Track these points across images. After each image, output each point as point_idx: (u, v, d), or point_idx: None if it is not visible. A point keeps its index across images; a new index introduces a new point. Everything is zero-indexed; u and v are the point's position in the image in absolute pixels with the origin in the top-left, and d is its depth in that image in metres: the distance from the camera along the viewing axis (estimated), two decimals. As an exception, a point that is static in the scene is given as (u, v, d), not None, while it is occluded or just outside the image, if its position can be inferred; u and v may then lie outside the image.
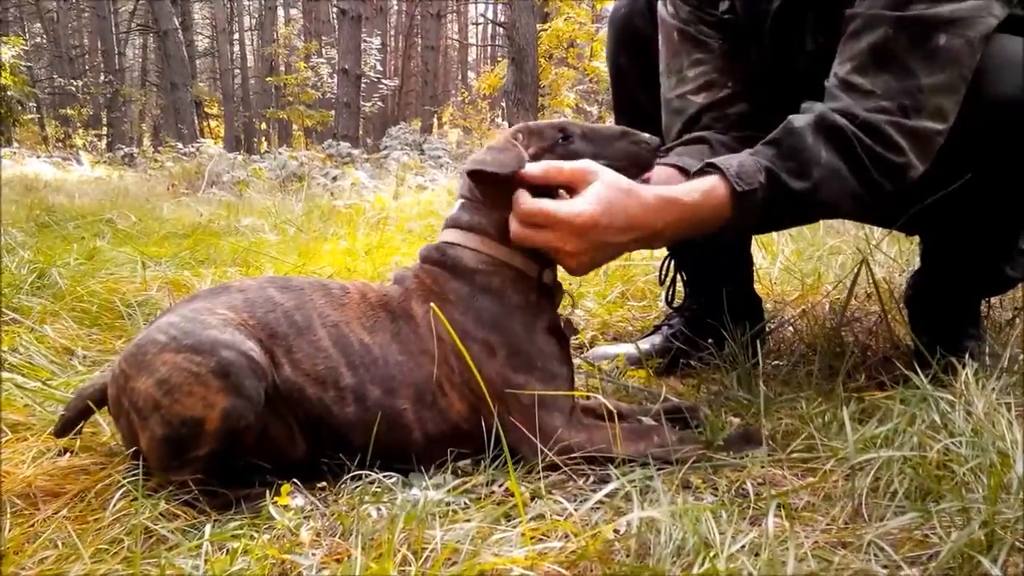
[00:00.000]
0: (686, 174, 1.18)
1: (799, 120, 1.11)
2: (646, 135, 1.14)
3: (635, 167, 1.12)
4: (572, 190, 1.05)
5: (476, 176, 1.10)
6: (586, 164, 1.05)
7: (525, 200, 1.05)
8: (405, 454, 1.05)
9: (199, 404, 0.93)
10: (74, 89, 18.03)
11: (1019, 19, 1.16)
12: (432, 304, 1.08)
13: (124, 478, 1.01)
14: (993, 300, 1.60)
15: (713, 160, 1.10)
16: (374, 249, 3.03)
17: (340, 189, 5.97)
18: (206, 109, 21.03)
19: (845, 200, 1.11)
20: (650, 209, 1.03)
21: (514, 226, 1.07)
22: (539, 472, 1.01)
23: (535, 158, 1.12)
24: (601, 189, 1.02)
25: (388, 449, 1.04)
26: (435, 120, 17.51)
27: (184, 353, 0.95)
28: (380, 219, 3.82)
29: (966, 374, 1.05)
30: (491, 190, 1.10)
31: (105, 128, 19.55)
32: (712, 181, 1.08)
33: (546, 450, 1.03)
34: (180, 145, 9.14)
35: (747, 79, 1.35)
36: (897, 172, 1.10)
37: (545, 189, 1.07)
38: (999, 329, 1.54)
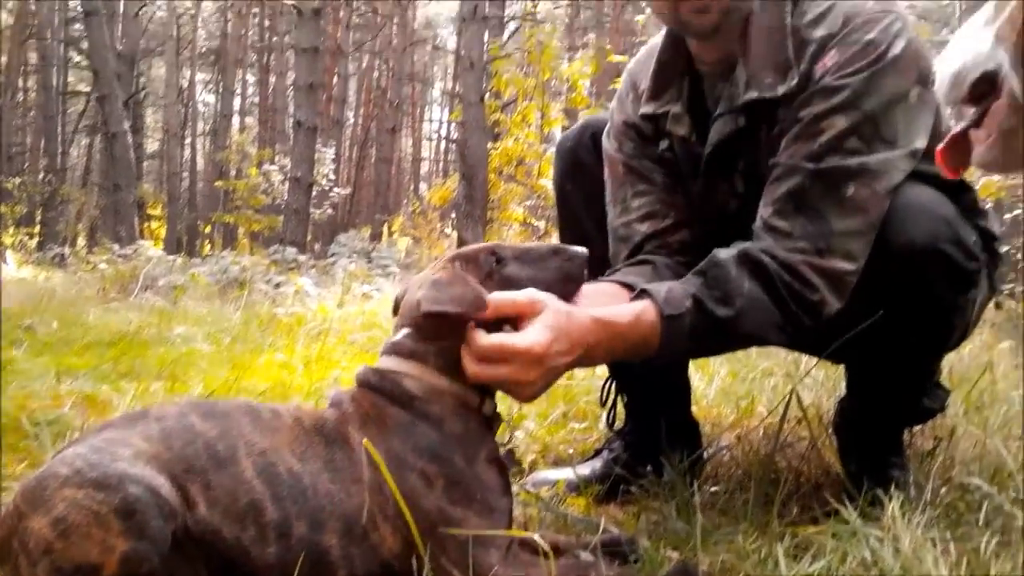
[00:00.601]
0: (630, 290, 1.28)
1: (724, 253, 1.24)
2: (575, 248, 1.20)
3: (569, 283, 1.19)
4: (519, 320, 1.10)
5: (434, 316, 1.10)
6: (531, 295, 1.10)
7: (482, 339, 1.08)
8: None
9: (96, 548, 0.86)
10: (11, 187, 17.84)
11: (926, 174, 1.28)
12: (366, 432, 1.06)
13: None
14: (915, 428, 1.68)
15: (645, 286, 1.21)
16: (313, 362, 2.98)
17: (283, 296, 5.92)
18: (149, 211, 20.97)
19: (768, 330, 1.23)
20: (587, 331, 1.11)
21: (470, 364, 1.09)
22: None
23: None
24: (549, 317, 1.08)
25: None
26: (385, 228, 17.75)
27: (86, 489, 0.88)
28: (321, 330, 3.77)
29: (893, 508, 1.08)
30: (441, 323, 1.11)
31: (38, 227, 19.26)
32: (643, 305, 1.18)
33: None
34: (117, 247, 9.02)
35: (687, 210, 1.47)
36: (813, 308, 1.22)
37: (491, 322, 1.10)
38: (921, 459, 1.60)
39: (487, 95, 11.81)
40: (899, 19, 1.26)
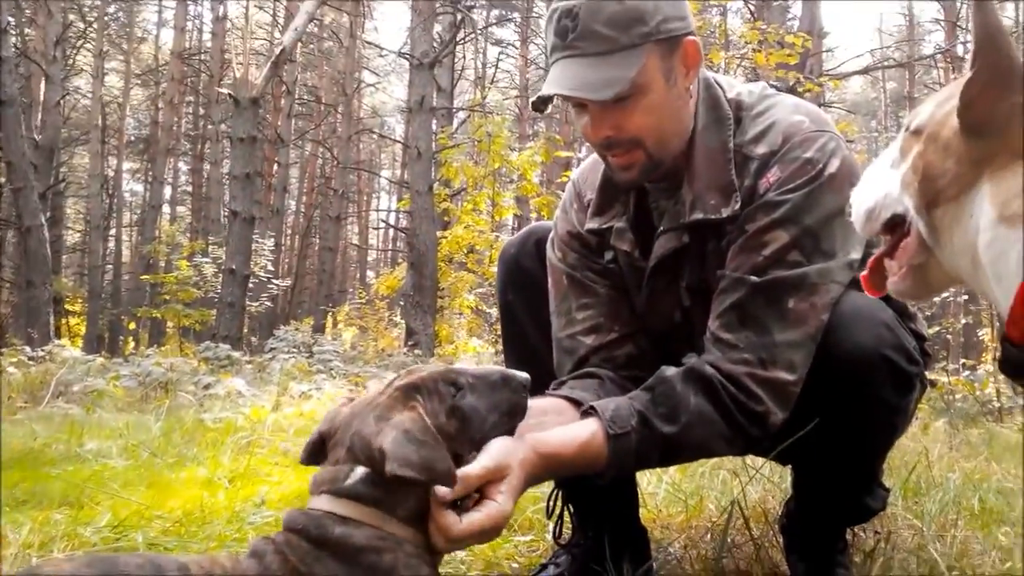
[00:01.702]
0: (577, 406, 1.34)
1: (670, 370, 1.32)
2: (520, 376, 1.20)
3: (516, 416, 1.20)
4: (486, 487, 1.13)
5: (401, 479, 1.03)
6: (498, 460, 1.12)
7: (455, 526, 1.08)
8: None
9: None
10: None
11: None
12: None
13: None
14: (859, 527, 1.78)
15: (593, 404, 1.28)
16: (240, 478, 2.79)
17: (213, 398, 5.68)
18: (67, 306, 20.33)
19: (715, 443, 1.31)
20: (537, 469, 1.18)
21: (440, 540, 1.09)
22: None
23: (432, 414, 1.11)
24: (515, 479, 1.14)
25: None
26: (330, 319, 17.52)
27: None
28: (251, 440, 3.57)
29: None
30: (405, 482, 1.04)
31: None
32: (589, 427, 1.25)
33: None
34: (28, 349, 8.62)
35: (633, 322, 1.54)
36: (759, 419, 1.30)
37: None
38: (864, 556, 1.70)
39: (436, 184, 12.03)
40: (834, 138, 1.37)
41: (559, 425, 1.30)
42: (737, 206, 1.36)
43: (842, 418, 1.35)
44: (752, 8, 12.32)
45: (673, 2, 1.33)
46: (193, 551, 1.84)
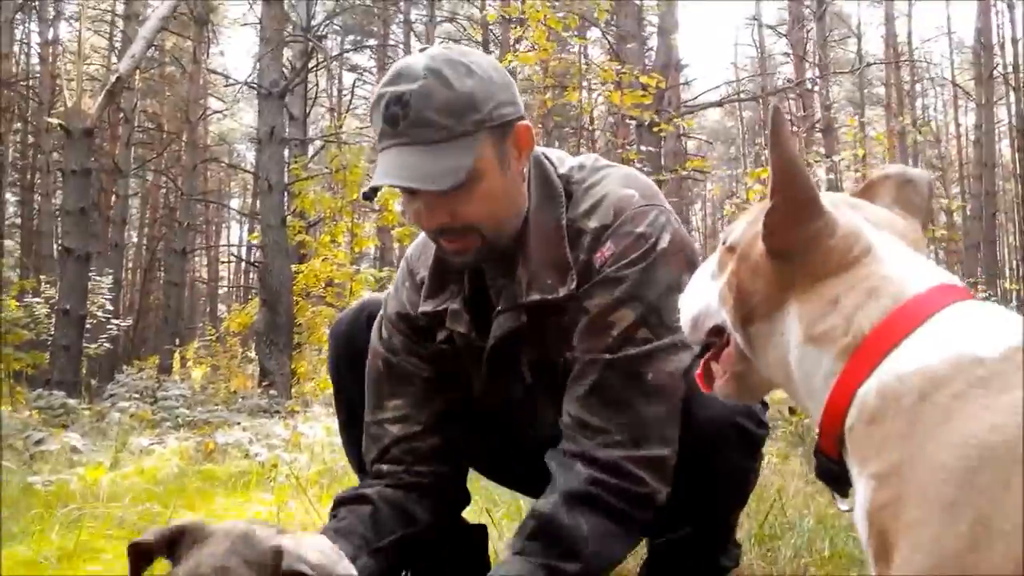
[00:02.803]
0: None
1: (545, 504, 1.28)
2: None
3: None
4: None
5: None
6: None
7: None
8: None
9: None
10: None
11: None
12: None
13: None
14: None
15: (495, 573, 1.25)
16: (69, 556, 2.53)
17: (45, 456, 5.16)
18: None
19: (619, 550, 1.33)
20: None
21: None
22: None
23: None
24: None
25: None
26: (177, 358, 16.48)
27: None
28: (82, 508, 3.26)
29: None
30: None
31: None
32: None
33: None
34: None
35: (444, 414, 1.52)
36: (645, 501, 1.30)
37: None
38: None
39: (290, 216, 11.59)
40: (663, 212, 1.40)
41: None
42: (573, 285, 1.37)
43: (697, 485, 1.37)
44: (611, 43, 12.79)
45: (503, 85, 1.32)
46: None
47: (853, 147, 10.08)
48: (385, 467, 1.50)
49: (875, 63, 22.64)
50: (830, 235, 0.80)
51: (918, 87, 27.01)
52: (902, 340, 0.72)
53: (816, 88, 18.78)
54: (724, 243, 0.93)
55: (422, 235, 1.56)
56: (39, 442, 5.93)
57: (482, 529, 1.77)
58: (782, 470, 3.83)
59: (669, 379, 1.32)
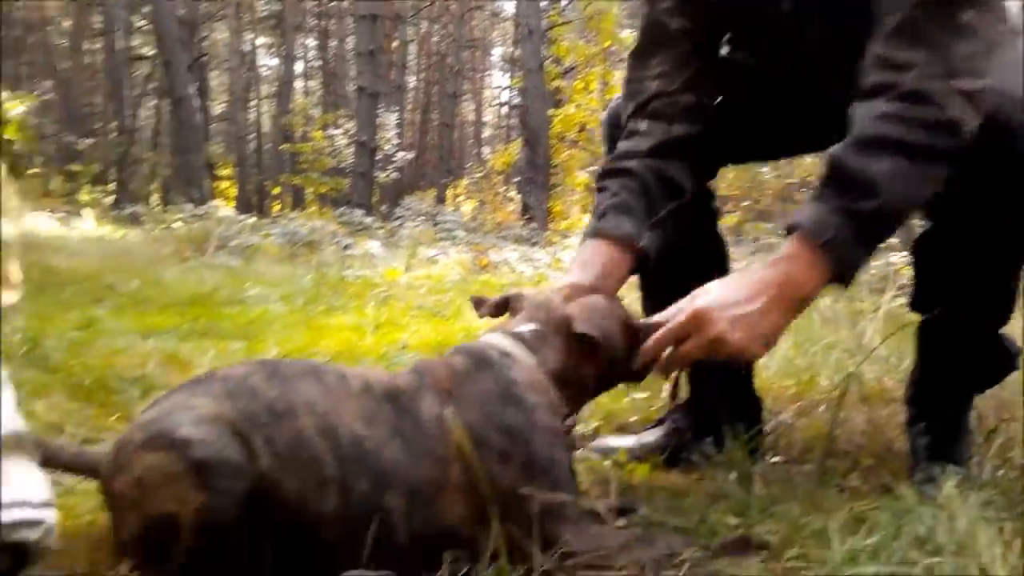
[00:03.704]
0: (623, 247, 1.33)
1: (836, 149, 1.18)
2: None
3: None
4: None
5: (583, 337, 1.16)
6: (695, 307, 1.14)
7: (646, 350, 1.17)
8: (387, 556, 1.01)
9: (173, 502, 0.94)
10: (83, 147, 18.47)
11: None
12: (446, 405, 1.07)
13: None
14: (983, 410, 1.66)
15: (790, 222, 1.18)
16: (383, 325, 3.01)
17: (351, 258, 6.01)
18: (219, 172, 21.48)
19: (921, 187, 1.17)
20: (759, 284, 1.15)
21: (657, 369, 1.19)
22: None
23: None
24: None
25: (370, 549, 1.00)
26: (450, 192, 17.84)
27: (158, 452, 0.96)
28: (389, 295, 3.81)
29: (949, 486, 1.09)
30: (581, 345, 1.17)
31: (112, 186, 19.94)
32: (792, 246, 1.16)
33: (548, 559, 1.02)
34: (190, 207, 9.27)
35: (703, 77, 1.47)
36: (953, 128, 1.15)
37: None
38: (985, 436, 1.60)
39: (547, 62, 11.65)
40: None
41: (618, 277, 1.31)
42: None
43: (990, 186, 1.23)
44: None
45: None
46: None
47: None
48: (643, 124, 1.46)
49: None
50: None
51: None
52: None
53: None
54: None
55: None
56: (347, 247, 6.88)
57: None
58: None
59: (984, 22, 1.17)
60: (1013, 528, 1.03)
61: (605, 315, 1.19)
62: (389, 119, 15.00)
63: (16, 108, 10.58)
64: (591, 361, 1.19)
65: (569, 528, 1.05)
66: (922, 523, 1.02)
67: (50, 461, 1.10)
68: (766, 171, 10.19)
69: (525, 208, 11.34)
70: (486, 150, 26.62)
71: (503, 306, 1.28)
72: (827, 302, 3.70)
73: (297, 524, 1.00)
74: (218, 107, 26.80)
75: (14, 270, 1.24)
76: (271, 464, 1.00)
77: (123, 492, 0.98)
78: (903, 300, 2.08)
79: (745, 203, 10.17)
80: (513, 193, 15.17)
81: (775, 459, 1.57)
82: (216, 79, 26.71)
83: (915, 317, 1.47)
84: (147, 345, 2.30)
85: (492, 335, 1.18)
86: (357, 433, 1.04)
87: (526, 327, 1.18)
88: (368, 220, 8.80)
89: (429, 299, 3.71)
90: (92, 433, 1.68)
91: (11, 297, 1.23)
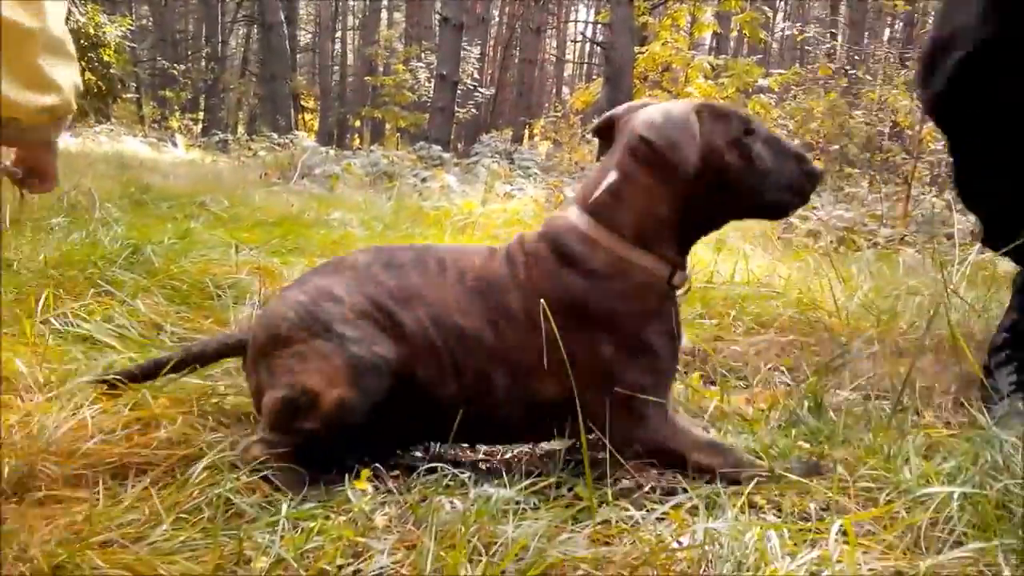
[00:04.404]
0: None
1: None
2: (817, 166, 1.18)
3: (797, 196, 1.19)
4: None
5: (645, 143, 1.12)
6: None
7: None
8: (495, 433, 1.17)
9: (323, 382, 1.05)
10: (175, 73, 19.01)
11: None
12: (535, 294, 1.12)
13: (209, 451, 1.08)
14: None
15: None
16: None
17: (429, 191, 6.11)
18: (303, 103, 21.85)
19: None
20: None
21: None
22: (608, 480, 1.07)
23: (709, 146, 1.12)
24: None
25: (480, 427, 1.14)
26: (526, 131, 17.70)
27: (317, 339, 1.08)
28: (466, 224, 3.89)
29: None
30: (646, 154, 1.13)
31: (201, 113, 20.54)
32: None
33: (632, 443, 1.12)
34: (275, 135, 9.53)
35: None
36: None
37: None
38: None
39: (636, -5, 11.22)
40: None
41: None
42: None
43: None
44: None
45: None
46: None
47: None
48: None
49: None
50: None
51: None
52: None
53: None
54: None
55: None
56: (424, 180, 6.97)
57: None
58: None
59: None
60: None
61: (678, 126, 1.11)
62: (471, 53, 14.86)
63: (112, 32, 10.96)
64: (668, 180, 1.12)
65: (657, 411, 1.11)
66: (1000, 451, 1.04)
67: (199, 359, 1.25)
68: None
69: (601, 151, 11.13)
70: (565, 90, 26.13)
71: (607, 126, 1.26)
72: (911, 252, 3.59)
73: (424, 405, 1.13)
74: (305, 37, 27.05)
75: (52, 166, 1.35)
76: (405, 355, 1.11)
77: (281, 363, 1.08)
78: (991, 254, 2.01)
79: None
80: (590, 136, 14.87)
81: (852, 393, 1.54)
82: (304, 8, 26.87)
83: (1009, 267, 1.44)
84: (239, 257, 2.44)
85: (572, 209, 1.19)
86: (457, 323, 1.13)
87: (604, 185, 1.16)
88: (445, 155, 8.86)
89: (505, 231, 3.77)
90: (188, 333, 1.82)
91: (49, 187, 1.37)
